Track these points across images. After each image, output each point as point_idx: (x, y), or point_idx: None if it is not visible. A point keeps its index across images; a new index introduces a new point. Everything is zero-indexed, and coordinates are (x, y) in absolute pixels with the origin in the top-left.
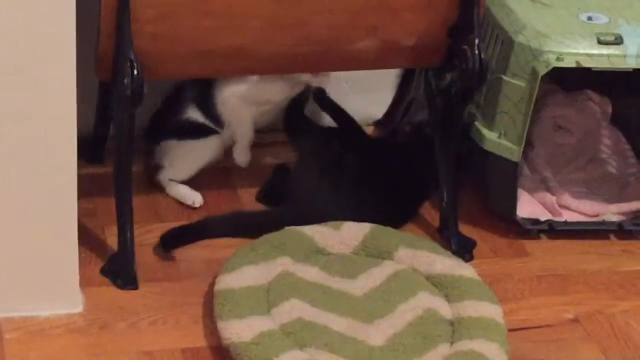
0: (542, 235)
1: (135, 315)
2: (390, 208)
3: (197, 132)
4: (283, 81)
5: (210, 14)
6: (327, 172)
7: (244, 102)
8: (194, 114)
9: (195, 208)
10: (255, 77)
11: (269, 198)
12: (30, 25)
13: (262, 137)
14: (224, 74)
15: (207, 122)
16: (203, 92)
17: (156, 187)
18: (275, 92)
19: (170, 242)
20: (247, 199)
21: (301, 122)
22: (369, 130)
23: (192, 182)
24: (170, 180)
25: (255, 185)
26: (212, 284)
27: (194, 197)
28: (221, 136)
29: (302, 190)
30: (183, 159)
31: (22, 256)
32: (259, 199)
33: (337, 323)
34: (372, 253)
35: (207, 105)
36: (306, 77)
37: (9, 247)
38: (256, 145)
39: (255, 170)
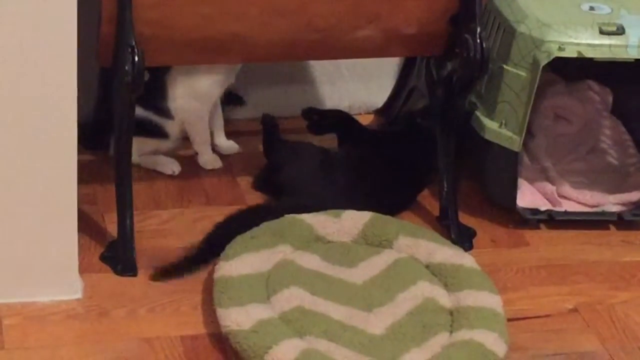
0: (542, 225)
1: (134, 302)
2: (387, 196)
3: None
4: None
5: (210, 0)
6: (323, 163)
7: (198, 100)
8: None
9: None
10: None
11: (265, 185)
12: (31, 12)
13: (257, 124)
14: (224, 61)
15: (155, 118)
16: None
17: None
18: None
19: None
20: (246, 187)
21: (281, 144)
22: (369, 118)
23: (193, 170)
24: (140, 155)
25: (254, 172)
26: (212, 272)
27: (172, 166)
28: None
29: (298, 182)
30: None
31: (22, 242)
32: (255, 186)
33: (337, 311)
34: (372, 242)
35: (155, 102)
36: None
37: (8, 234)
38: (252, 133)
39: (254, 157)
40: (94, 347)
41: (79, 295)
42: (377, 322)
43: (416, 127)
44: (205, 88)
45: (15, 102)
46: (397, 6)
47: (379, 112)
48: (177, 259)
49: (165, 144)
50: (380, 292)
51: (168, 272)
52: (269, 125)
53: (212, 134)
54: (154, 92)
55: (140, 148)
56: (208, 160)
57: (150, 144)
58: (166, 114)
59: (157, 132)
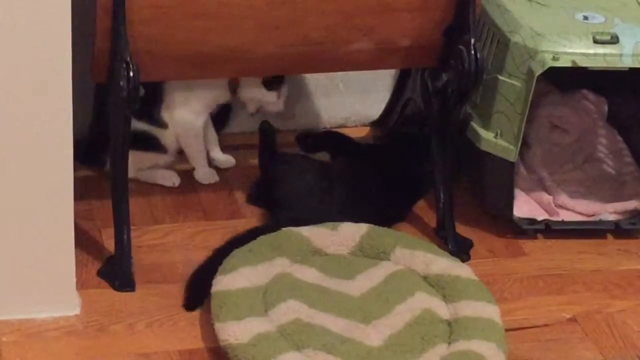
0: (539, 235)
1: (132, 317)
2: (382, 208)
3: (140, 141)
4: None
5: (205, 15)
6: (319, 176)
7: (193, 114)
8: (136, 125)
9: (190, 208)
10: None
11: (259, 199)
12: (25, 27)
13: (253, 137)
14: (219, 76)
15: (149, 128)
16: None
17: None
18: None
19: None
20: (243, 200)
21: (276, 157)
22: (365, 130)
23: (190, 184)
24: (138, 170)
25: (252, 186)
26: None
27: (173, 178)
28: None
29: (293, 195)
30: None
31: (19, 259)
32: (249, 200)
33: (335, 324)
34: (369, 254)
35: (149, 113)
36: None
37: (5, 250)
38: (248, 147)
39: (251, 170)
40: None
41: (77, 312)
42: (375, 334)
43: (409, 138)
44: (200, 103)
45: (11, 118)
46: (391, 19)
47: (375, 124)
48: (190, 285)
49: (162, 159)
50: (378, 304)
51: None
52: (267, 133)
53: (208, 149)
54: (148, 101)
55: (139, 163)
56: (204, 174)
57: (148, 158)
58: (160, 123)
59: (154, 145)
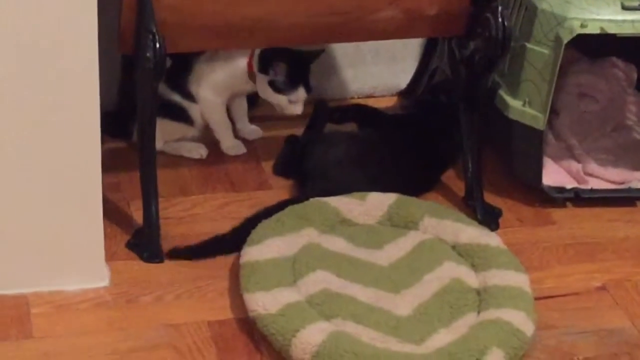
0: (568, 203)
1: (161, 288)
2: (410, 178)
3: (171, 111)
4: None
5: None
6: (347, 148)
7: (216, 93)
8: (169, 95)
9: (217, 176)
10: (228, 70)
11: (284, 170)
12: (51, 1)
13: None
14: (245, 46)
15: (182, 101)
16: (176, 74)
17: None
18: (235, 64)
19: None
20: (271, 171)
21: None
22: (393, 100)
23: (217, 156)
24: (165, 142)
25: None
26: (238, 256)
27: (200, 150)
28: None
29: (322, 167)
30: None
31: (48, 231)
32: (275, 171)
33: (363, 293)
34: (397, 223)
35: (180, 85)
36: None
37: (35, 223)
38: (276, 118)
39: (279, 142)
40: (122, 334)
41: (106, 283)
42: (404, 304)
43: (438, 106)
44: (221, 87)
45: (38, 92)
46: None
47: (402, 94)
48: (200, 242)
49: (190, 131)
50: (407, 274)
51: (183, 252)
52: (319, 114)
53: (235, 120)
54: (181, 75)
55: (166, 134)
56: (230, 146)
57: (176, 130)
58: (189, 96)
59: (183, 117)
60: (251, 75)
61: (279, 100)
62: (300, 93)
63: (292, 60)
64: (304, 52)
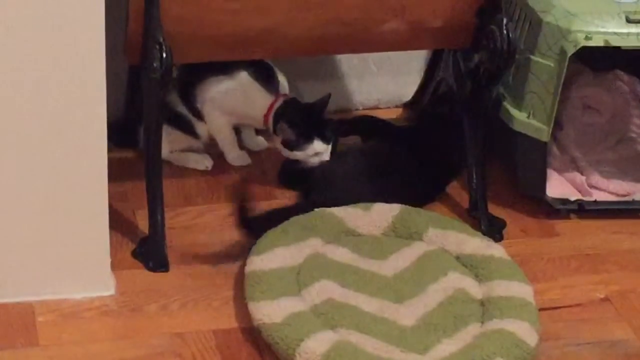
0: (572, 215)
1: (166, 297)
2: (415, 189)
3: (179, 122)
4: (260, 96)
5: None
6: (352, 159)
7: (221, 111)
8: (179, 107)
9: (223, 186)
10: (234, 88)
11: (289, 181)
12: (59, 10)
13: None
14: (252, 56)
15: (189, 115)
16: (186, 89)
17: (186, 169)
18: (251, 107)
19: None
20: (276, 182)
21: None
22: (398, 111)
23: (223, 166)
24: (171, 152)
25: None
26: (243, 266)
27: (205, 161)
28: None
29: (327, 178)
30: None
31: (54, 240)
32: (280, 182)
33: (368, 303)
34: (401, 234)
35: (189, 101)
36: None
37: (41, 231)
38: None
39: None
40: (128, 343)
41: (111, 292)
42: (408, 314)
43: (443, 118)
44: (229, 115)
45: (45, 100)
46: None
47: (407, 105)
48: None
49: (196, 143)
50: (411, 284)
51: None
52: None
53: (240, 131)
54: (188, 87)
55: (173, 143)
56: (235, 157)
57: (182, 140)
58: (198, 114)
59: (189, 130)
60: (266, 124)
61: (298, 157)
62: (317, 146)
63: (299, 116)
64: (312, 104)
